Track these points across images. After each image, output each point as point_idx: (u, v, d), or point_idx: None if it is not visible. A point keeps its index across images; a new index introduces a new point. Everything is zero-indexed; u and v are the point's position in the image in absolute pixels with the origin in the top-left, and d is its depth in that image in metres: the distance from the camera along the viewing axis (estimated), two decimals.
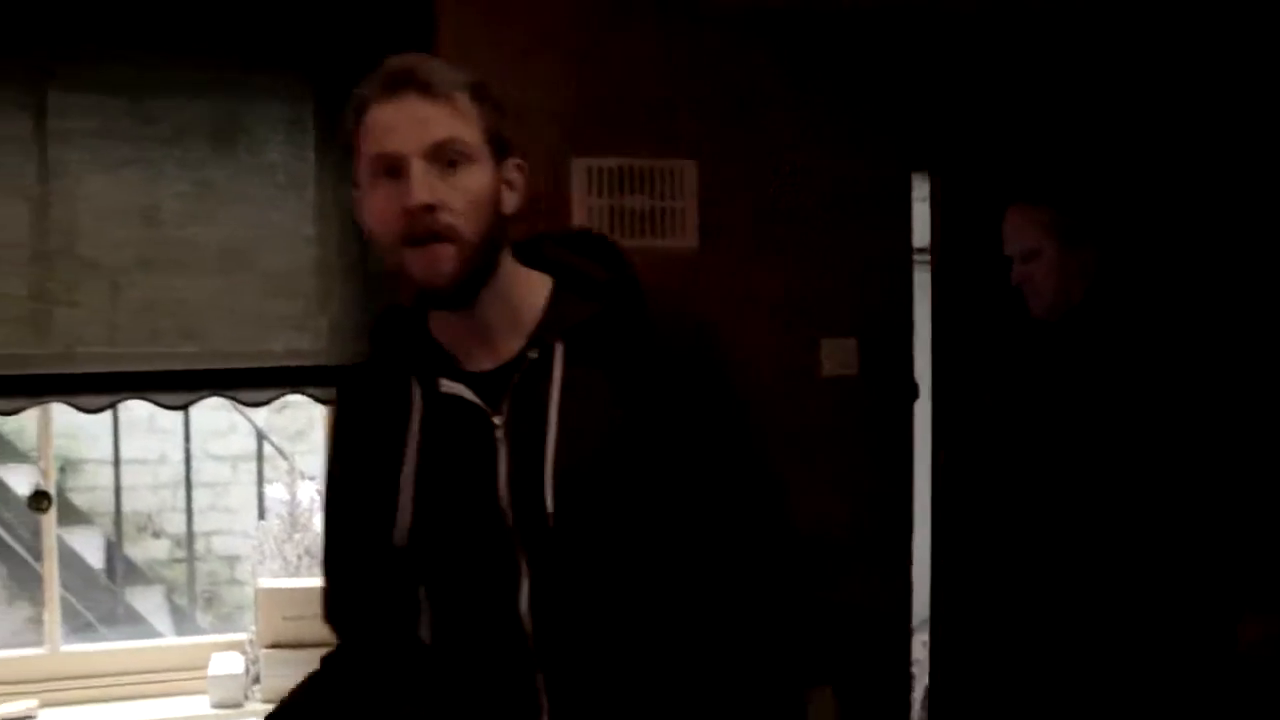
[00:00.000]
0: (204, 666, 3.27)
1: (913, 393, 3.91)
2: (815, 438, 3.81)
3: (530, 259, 1.85)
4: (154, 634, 6.21)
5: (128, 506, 6.75)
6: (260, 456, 6.63)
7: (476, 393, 1.77)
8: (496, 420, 1.77)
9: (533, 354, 1.77)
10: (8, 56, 3.11)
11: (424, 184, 1.68)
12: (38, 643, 3.44)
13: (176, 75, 3.22)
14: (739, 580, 1.86)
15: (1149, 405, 2.91)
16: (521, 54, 3.49)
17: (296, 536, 3.53)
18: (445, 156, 1.70)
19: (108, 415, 4.11)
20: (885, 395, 3.89)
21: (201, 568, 6.96)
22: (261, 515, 5.11)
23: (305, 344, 3.31)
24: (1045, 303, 3.10)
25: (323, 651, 3.05)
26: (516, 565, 1.76)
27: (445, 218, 1.69)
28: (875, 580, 3.83)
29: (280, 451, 6.85)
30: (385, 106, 1.72)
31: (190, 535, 6.16)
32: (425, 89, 1.71)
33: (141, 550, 7.14)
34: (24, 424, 6.43)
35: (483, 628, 1.81)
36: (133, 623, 6.41)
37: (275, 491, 3.89)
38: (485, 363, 1.80)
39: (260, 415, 6.69)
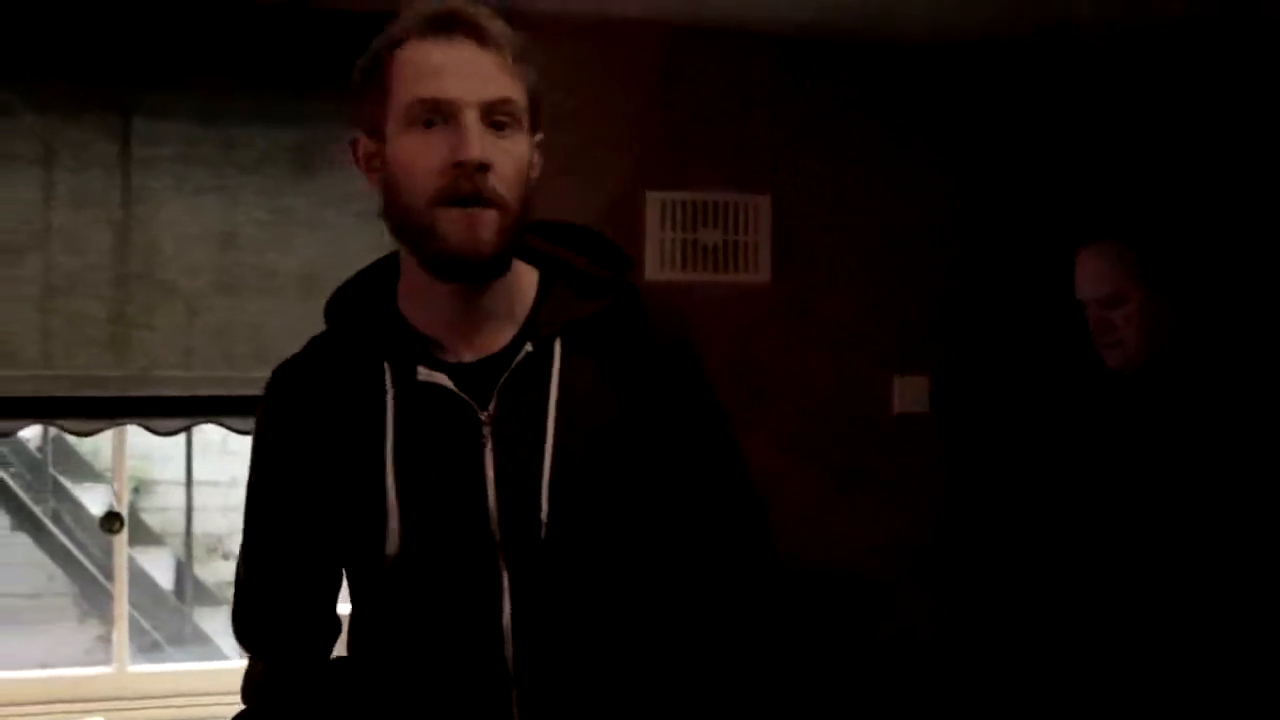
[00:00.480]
0: None
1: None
2: (886, 475, 3.78)
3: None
4: (220, 655, 6.26)
5: (199, 528, 6.82)
6: None
7: (459, 386, 1.59)
8: (483, 417, 1.59)
9: (529, 348, 1.60)
10: (95, 84, 3.16)
11: (480, 139, 1.51)
12: (107, 661, 3.47)
13: (258, 103, 3.26)
14: (719, 593, 1.72)
15: (1240, 469, 2.65)
16: (596, 88, 3.51)
17: None
18: (495, 116, 1.54)
19: (181, 436, 4.13)
20: (957, 433, 3.85)
21: None
22: None
23: None
24: (1128, 354, 2.83)
25: None
26: (499, 576, 1.59)
27: (494, 181, 1.52)
28: (945, 618, 3.79)
29: None
30: (430, 46, 1.55)
31: None
32: (481, 36, 1.55)
33: (211, 572, 7.20)
34: (100, 444, 6.52)
35: (456, 642, 1.61)
36: (200, 643, 6.47)
37: None
38: (465, 354, 1.62)
39: None
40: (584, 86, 3.49)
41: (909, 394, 3.81)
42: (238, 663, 4.55)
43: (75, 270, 3.16)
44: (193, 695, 3.35)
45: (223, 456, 6.89)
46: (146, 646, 6.16)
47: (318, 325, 3.30)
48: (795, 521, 3.68)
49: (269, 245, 3.27)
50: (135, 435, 3.39)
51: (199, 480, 6.68)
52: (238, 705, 3.45)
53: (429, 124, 1.54)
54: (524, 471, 1.58)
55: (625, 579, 1.65)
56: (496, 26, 1.57)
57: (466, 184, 1.51)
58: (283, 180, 3.29)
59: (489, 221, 1.52)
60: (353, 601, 1.71)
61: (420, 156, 1.54)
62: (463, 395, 1.59)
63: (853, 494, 3.74)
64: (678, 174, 3.58)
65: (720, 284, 3.61)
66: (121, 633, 3.39)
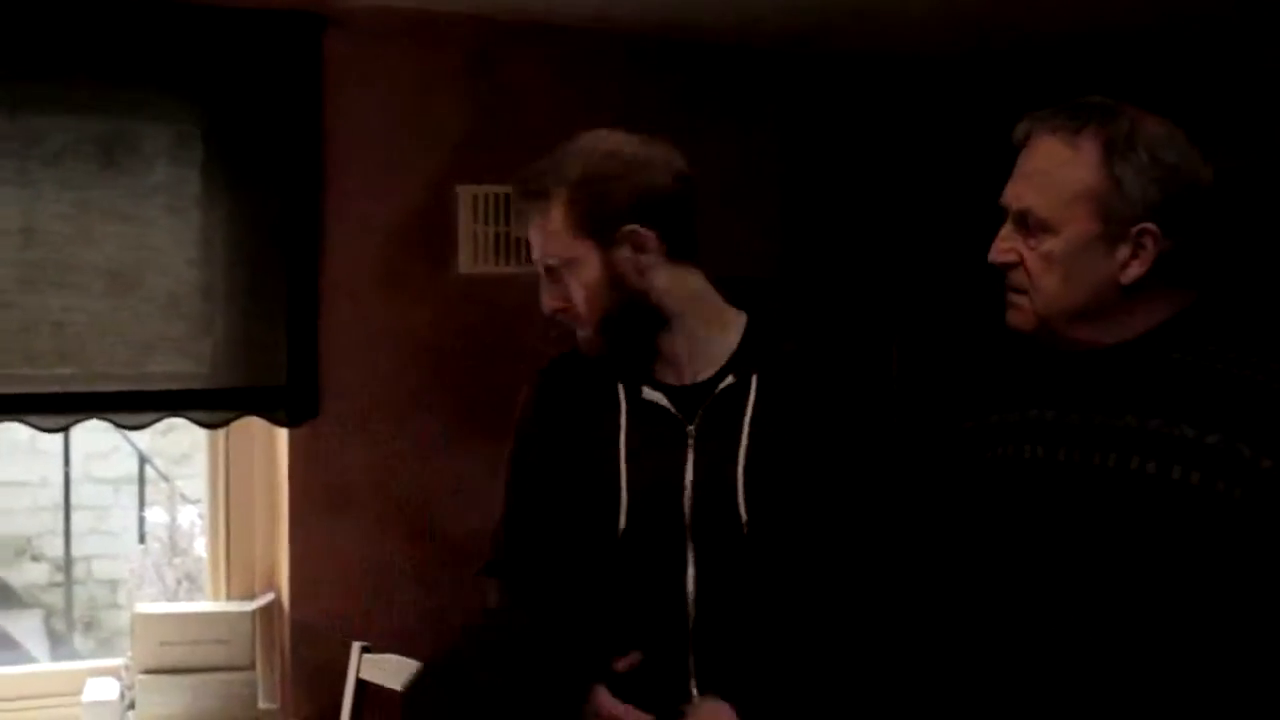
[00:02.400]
0: (79, 693, 3.22)
1: None
2: None
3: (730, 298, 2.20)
4: (30, 659, 6.11)
5: (6, 529, 6.63)
6: (142, 480, 6.56)
7: (675, 402, 2.06)
8: (689, 430, 2.05)
9: (730, 379, 2.05)
10: None
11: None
12: None
13: (61, 94, 3.18)
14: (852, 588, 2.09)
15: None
16: (407, 81, 3.50)
17: (176, 561, 3.49)
18: None
19: None
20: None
21: (82, 592, 6.86)
22: (142, 539, 5.05)
23: (188, 367, 3.28)
24: (1025, 312, 1.93)
25: (197, 678, 3.06)
26: (684, 554, 2.03)
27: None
28: None
29: (162, 475, 6.78)
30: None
31: (68, 559, 6.07)
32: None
33: (19, 574, 7.01)
34: None
35: (648, 605, 2.05)
36: (8, 648, 6.30)
37: (156, 515, 3.85)
38: (684, 378, 2.10)
39: (143, 438, 6.61)
40: (394, 81, 3.48)
41: None
42: (45, 666, 4.45)
43: None
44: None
45: (31, 456, 6.72)
46: None
47: (124, 320, 3.25)
48: None
49: (73, 240, 3.19)
50: None
51: (6, 481, 6.50)
52: (47, 709, 3.41)
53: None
54: (717, 475, 2.02)
55: (789, 569, 2.04)
56: None
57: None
58: (87, 173, 3.21)
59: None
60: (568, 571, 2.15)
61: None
62: (674, 411, 2.06)
63: None
64: (489, 168, 3.59)
65: (534, 276, 3.62)
66: None
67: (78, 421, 3.22)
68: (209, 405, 3.30)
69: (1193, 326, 1.88)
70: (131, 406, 3.24)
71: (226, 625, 3.29)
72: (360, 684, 3.13)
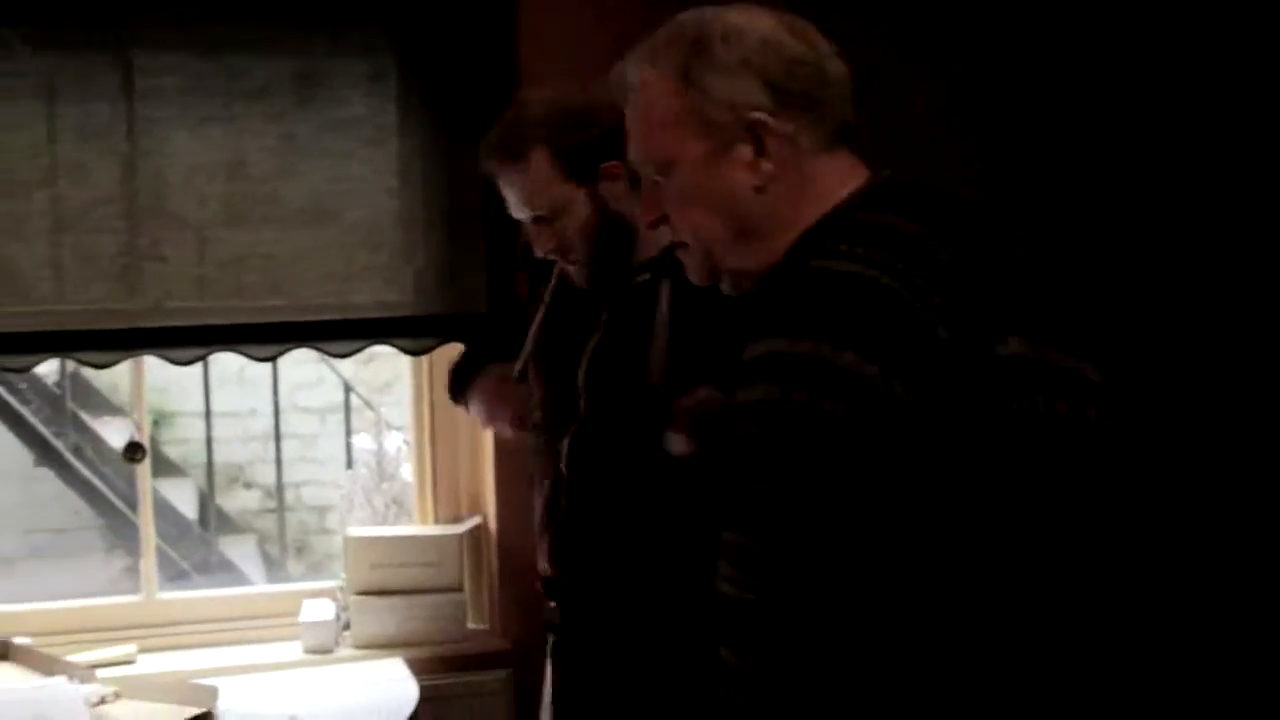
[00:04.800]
0: (295, 613, 3.32)
1: None
2: None
3: None
4: (247, 582, 6.34)
5: (219, 458, 6.87)
6: (348, 408, 6.73)
7: None
8: None
9: None
10: (96, 18, 3.14)
11: None
12: (135, 591, 3.51)
13: (260, 31, 3.24)
14: None
15: None
16: (599, 6, 3.47)
17: (384, 486, 3.57)
18: None
19: (199, 370, 4.16)
20: None
21: (292, 517, 7.09)
22: (349, 465, 5.18)
23: (391, 296, 3.33)
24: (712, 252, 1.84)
25: (408, 599, 3.13)
26: None
27: None
28: None
29: (367, 403, 6.95)
30: None
31: (280, 486, 6.26)
32: None
33: (233, 501, 7.28)
34: (117, 379, 6.57)
35: None
36: (226, 571, 6.55)
37: (362, 442, 3.93)
38: None
39: (346, 368, 6.78)
40: (587, 6, 3.46)
41: None
42: (263, 588, 4.60)
43: (84, 204, 3.15)
44: (221, 620, 3.39)
45: (240, 387, 6.94)
46: (174, 575, 6.24)
47: (327, 251, 3.30)
48: None
49: (276, 173, 3.26)
50: (153, 369, 3.40)
51: (218, 412, 6.73)
52: (266, 629, 3.52)
53: None
54: None
55: None
56: None
57: None
58: (287, 107, 3.27)
59: None
60: None
61: None
62: None
63: None
64: None
65: None
66: (149, 561, 3.43)
67: (286, 350, 3.30)
68: (412, 333, 3.35)
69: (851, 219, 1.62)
70: (338, 335, 3.31)
71: (435, 548, 3.36)
72: None
